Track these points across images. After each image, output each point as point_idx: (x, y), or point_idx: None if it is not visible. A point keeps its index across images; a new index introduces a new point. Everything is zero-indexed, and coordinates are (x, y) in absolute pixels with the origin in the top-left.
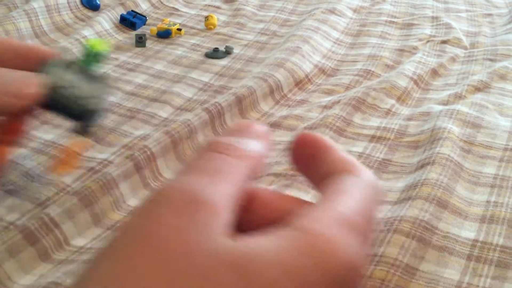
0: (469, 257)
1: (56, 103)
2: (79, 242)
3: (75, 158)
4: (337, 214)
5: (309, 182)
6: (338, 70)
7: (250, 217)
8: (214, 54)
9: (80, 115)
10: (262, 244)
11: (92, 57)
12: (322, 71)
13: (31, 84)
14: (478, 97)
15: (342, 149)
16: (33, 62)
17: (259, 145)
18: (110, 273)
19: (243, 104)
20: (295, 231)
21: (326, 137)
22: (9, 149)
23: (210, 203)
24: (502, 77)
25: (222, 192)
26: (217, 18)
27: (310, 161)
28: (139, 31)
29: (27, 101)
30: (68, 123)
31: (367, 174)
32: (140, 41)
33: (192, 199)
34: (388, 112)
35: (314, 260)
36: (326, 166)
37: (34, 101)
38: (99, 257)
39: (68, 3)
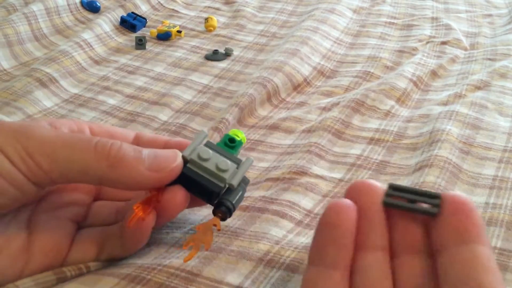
0: None
1: (194, 174)
2: None
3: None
4: None
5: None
6: (337, 71)
7: None
8: (214, 56)
9: (217, 189)
10: None
11: (230, 144)
12: (321, 73)
13: (177, 157)
14: (478, 95)
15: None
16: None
17: None
18: None
19: (243, 112)
20: None
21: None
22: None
23: None
24: (502, 76)
25: None
26: (217, 20)
27: None
28: (139, 33)
29: (173, 175)
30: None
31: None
32: (140, 43)
33: None
34: (387, 114)
35: None
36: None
37: (176, 175)
38: None
39: (68, 5)
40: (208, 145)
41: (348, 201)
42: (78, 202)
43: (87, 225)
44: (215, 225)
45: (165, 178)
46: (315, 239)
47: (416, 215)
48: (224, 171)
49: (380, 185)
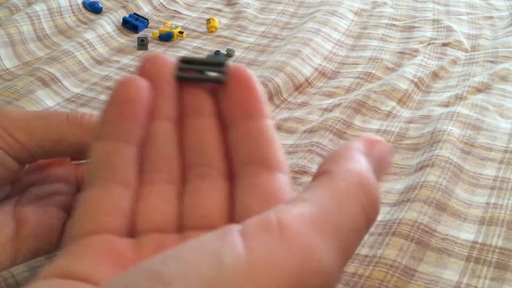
0: (468, 259)
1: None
2: None
3: None
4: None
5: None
6: (338, 72)
7: None
8: (216, 57)
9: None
10: None
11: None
12: (322, 74)
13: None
14: (479, 98)
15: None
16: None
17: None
18: None
19: None
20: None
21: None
22: None
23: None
24: (503, 79)
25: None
26: (219, 21)
27: (240, 111)
28: (141, 34)
29: None
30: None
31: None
32: (142, 44)
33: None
34: (388, 115)
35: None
36: (263, 145)
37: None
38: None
39: (70, 6)
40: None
41: (138, 77)
42: (62, 191)
43: None
44: None
45: None
46: (105, 114)
47: (206, 84)
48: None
49: (171, 59)
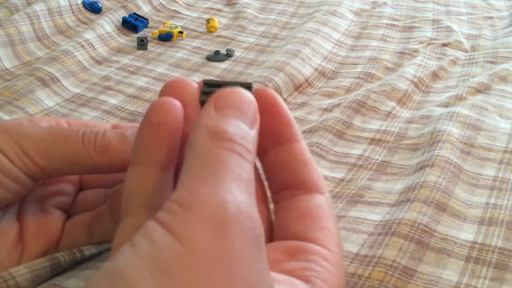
0: (467, 259)
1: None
2: None
3: None
4: (336, 270)
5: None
6: (338, 72)
7: None
8: (215, 57)
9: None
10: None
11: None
12: (322, 74)
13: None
14: (479, 98)
15: (305, 144)
16: None
17: (255, 134)
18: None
19: None
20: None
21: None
22: None
23: (258, 224)
24: (503, 79)
25: (255, 206)
26: (219, 21)
27: (273, 138)
28: (141, 33)
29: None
30: None
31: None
32: (142, 43)
33: (250, 222)
34: (388, 115)
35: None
36: (298, 167)
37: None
38: (171, 267)
39: (70, 6)
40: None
41: (174, 100)
42: (63, 191)
43: (77, 214)
44: None
45: None
46: (139, 138)
47: None
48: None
49: (194, 83)
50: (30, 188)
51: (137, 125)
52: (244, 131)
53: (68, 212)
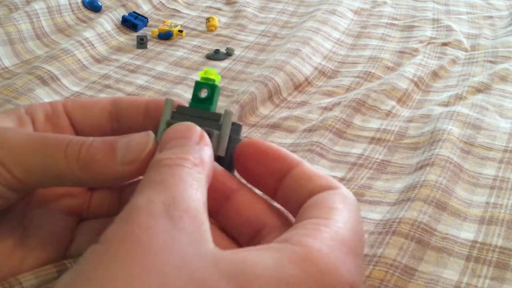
0: (468, 258)
1: None
2: None
3: None
4: (334, 234)
5: (273, 197)
6: (338, 72)
7: (224, 220)
8: (215, 55)
9: None
10: (259, 255)
11: (202, 98)
12: (322, 73)
13: (148, 143)
14: (479, 98)
15: (304, 162)
16: (153, 117)
17: (207, 150)
18: (104, 280)
19: (244, 110)
20: (295, 246)
21: (276, 146)
22: None
23: (192, 209)
24: (503, 79)
25: (197, 199)
26: (218, 20)
27: (274, 177)
28: (140, 32)
29: (145, 164)
30: None
31: (345, 189)
32: (142, 42)
33: (167, 213)
34: (388, 114)
35: (314, 276)
36: (304, 183)
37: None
38: (87, 262)
39: (69, 4)
40: (180, 111)
41: None
42: (72, 193)
43: (91, 217)
44: None
45: (140, 169)
46: None
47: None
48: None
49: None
50: (15, 199)
51: (138, 98)
52: (188, 148)
53: (80, 215)
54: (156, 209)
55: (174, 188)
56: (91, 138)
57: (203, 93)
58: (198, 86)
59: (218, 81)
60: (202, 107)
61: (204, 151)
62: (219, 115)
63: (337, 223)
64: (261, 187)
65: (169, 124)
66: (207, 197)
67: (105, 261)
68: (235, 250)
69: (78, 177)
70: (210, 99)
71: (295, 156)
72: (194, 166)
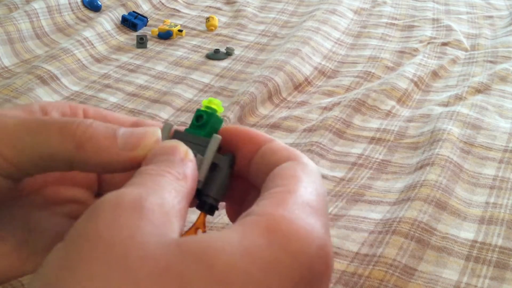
0: (467, 258)
1: None
2: None
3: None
4: (296, 198)
5: (247, 177)
6: (338, 71)
7: None
8: (215, 55)
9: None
10: (223, 233)
11: (197, 124)
12: (322, 73)
13: (155, 132)
14: (479, 98)
15: (276, 139)
16: None
17: (191, 166)
18: (69, 280)
19: (244, 111)
20: (258, 217)
21: (249, 128)
22: None
23: (166, 206)
24: (503, 79)
25: (169, 201)
26: (218, 20)
27: (247, 158)
28: (140, 32)
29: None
30: None
31: (306, 158)
32: (141, 42)
33: (138, 204)
34: (388, 114)
35: (279, 242)
36: (268, 157)
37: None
38: (49, 266)
39: (69, 3)
40: (175, 136)
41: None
42: (77, 199)
43: None
44: (198, 228)
45: (139, 158)
46: None
47: None
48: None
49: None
50: (9, 189)
51: (156, 123)
52: (172, 163)
53: None
54: (125, 201)
55: (151, 187)
56: (91, 120)
57: (200, 120)
58: (198, 113)
59: (221, 113)
60: (195, 133)
61: (188, 166)
62: (208, 141)
63: (299, 188)
64: (239, 170)
65: None
66: (185, 211)
67: (67, 264)
68: (200, 234)
69: (72, 157)
70: (205, 125)
71: (267, 136)
72: (176, 180)
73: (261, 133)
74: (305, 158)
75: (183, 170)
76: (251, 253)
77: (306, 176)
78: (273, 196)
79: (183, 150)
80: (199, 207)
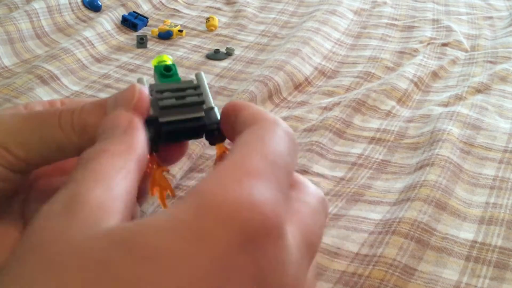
0: (467, 258)
1: (175, 125)
2: None
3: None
4: (236, 170)
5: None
6: (338, 72)
7: None
8: (215, 55)
9: (206, 121)
10: (157, 217)
11: (168, 74)
12: (322, 73)
13: (135, 87)
14: (479, 98)
15: (258, 106)
16: None
17: (137, 134)
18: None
19: None
20: (191, 197)
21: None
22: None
23: (95, 203)
24: (503, 79)
25: (105, 188)
26: (218, 20)
27: (232, 126)
28: (140, 32)
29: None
30: None
31: (273, 121)
32: (142, 42)
33: (73, 201)
34: (388, 114)
35: (204, 213)
36: (240, 124)
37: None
38: None
39: (69, 3)
40: (153, 88)
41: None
42: None
43: None
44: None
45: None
46: None
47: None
48: (196, 102)
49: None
50: (18, 183)
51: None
52: (112, 138)
53: None
54: (54, 210)
55: (82, 183)
56: (82, 103)
57: (169, 70)
58: (163, 66)
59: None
60: (172, 80)
61: (133, 136)
62: (191, 81)
63: (241, 158)
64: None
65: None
66: (134, 179)
67: (5, 268)
68: (132, 222)
69: (78, 145)
70: (175, 74)
71: (246, 102)
72: (114, 155)
73: (243, 101)
74: (267, 121)
75: (126, 141)
76: (177, 229)
77: (256, 142)
78: (217, 170)
79: (126, 119)
80: (210, 141)
